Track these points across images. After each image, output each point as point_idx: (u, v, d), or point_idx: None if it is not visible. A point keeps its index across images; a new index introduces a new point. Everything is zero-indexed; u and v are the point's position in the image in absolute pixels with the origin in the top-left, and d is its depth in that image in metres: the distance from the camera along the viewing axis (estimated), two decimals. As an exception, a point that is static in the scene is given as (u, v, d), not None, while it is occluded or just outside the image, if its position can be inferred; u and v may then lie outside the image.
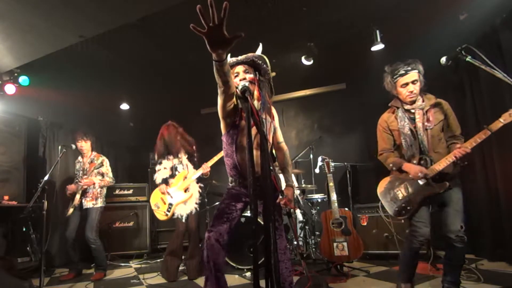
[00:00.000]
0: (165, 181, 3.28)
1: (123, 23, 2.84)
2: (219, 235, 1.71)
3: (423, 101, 2.11)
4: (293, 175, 2.92)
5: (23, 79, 3.64)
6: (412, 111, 2.11)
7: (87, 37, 2.98)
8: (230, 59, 1.78)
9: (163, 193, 3.25)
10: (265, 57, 1.79)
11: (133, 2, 2.61)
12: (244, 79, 1.72)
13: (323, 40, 3.59)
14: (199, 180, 3.39)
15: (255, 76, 1.77)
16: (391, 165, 2.16)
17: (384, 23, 3.28)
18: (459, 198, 2.01)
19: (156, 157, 3.39)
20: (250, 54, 1.77)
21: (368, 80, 4.33)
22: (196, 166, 3.35)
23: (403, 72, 2.05)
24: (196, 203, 3.29)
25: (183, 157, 3.34)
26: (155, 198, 3.33)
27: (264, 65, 1.77)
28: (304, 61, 3.76)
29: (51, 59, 3.27)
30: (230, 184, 1.91)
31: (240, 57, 1.77)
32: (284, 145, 1.99)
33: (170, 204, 3.22)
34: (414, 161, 2.07)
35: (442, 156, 2.02)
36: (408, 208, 2.07)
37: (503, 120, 1.86)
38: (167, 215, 3.22)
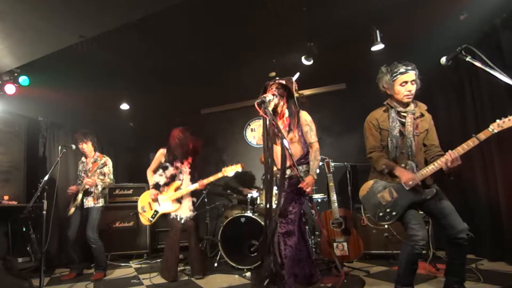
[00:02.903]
0: (157, 186, 3.29)
1: (123, 23, 2.84)
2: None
3: (415, 107, 2.14)
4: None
5: (23, 79, 3.64)
6: (404, 114, 2.13)
7: (87, 37, 2.98)
8: (268, 81, 2.41)
9: (153, 199, 3.27)
10: (292, 78, 2.38)
11: (133, 2, 2.61)
12: (274, 94, 2.24)
13: (323, 40, 3.59)
14: (192, 193, 3.37)
15: (284, 91, 2.36)
16: (383, 166, 2.12)
17: (384, 23, 3.28)
18: (448, 200, 2.02)
19: (163, 154, 3.36)
20: (285, 77, 2.39)
21: (368, 80, 4.31)
22: (194, 179, 3.32)
23: (403, 70, 2.06)
24: (190, 211, 3.28)
25: (186, 168, 3.34)
26: (143, 201, 3.36)
27: (290, 84, 2.35)
28: (304, 61, 3.76)
29: (51, 59, 3.27)
30: None
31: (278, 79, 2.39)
32: (314, 144, 2.44)
33: (156, 212, 3.26)
34: (402, 165, 2.08)
35: (421, 164, 2.07)
36: (394, 213, 2.06)
37: (491, 129, 1.86)
38: (150, 221, 3.29)
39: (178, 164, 3.32)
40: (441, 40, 3.27)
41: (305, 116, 2.44)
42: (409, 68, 2.06)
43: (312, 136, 2.44)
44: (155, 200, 3.27)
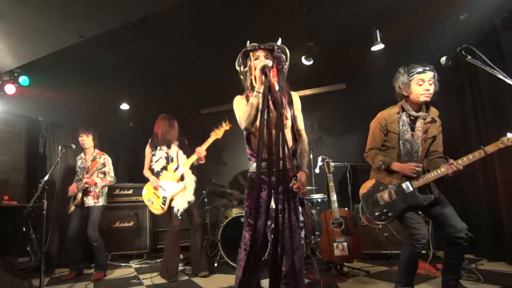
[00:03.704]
0: (156, 174, 3.28)
1: (123, 23, 2.84)
2: (258, 233, 1.77)
3: (426, 111, 2.11)
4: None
5: (23, 79, 3.64)
6: (413, 118, 2.11)
7: (87, 37, 2.98)
8: (252, 44, 1.86)
9: (155, 187, 3.24)
10: (286, 48, 1.86)
11: (133, 2, 2.60)
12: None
13: (323, 40, 3.59)
14: (194, 169, 3.39)
15: (273, 63, 1.82)
16: (380, 163, 2.13)
17: (384, 23, 3.28)
18: (450, 205, 2.03)
19: (149, 147, 3.40)
20: (271, 43, 1.85)
21: (368, 80, 4.34)
22: (187, 155, 3.35)
23: (421, 70, 2.04)
24: (193, 194, 3.29)
25: (175, 147, 3.35)
26: (148, 194, 3.31)
27: (283, 55, 1.86)
28: (304, 61, 3.76)
29: (51, 59, 3.26)
30: (250, 170, 1.96)
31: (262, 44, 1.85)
32: (303, 133, 2.00)
33: (164, 197, 3.20)
34: None
35: (424, 169, 2.07)
36: (390, 214, 2.08)
37: (500, 144, 1.86)
38: (162, 208, 3.19)
39: (164, 148, 3.33)
40: (441, 40, 3.27)
41: (297, 98, 2.03)
42: (427, 68, 2.03)
43: (302, 123, 2.01)
44: (158, 187, 3.22)
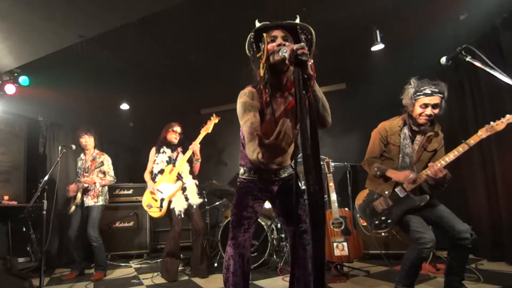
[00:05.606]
0: (153, 178, 3.30)
1: (123, 23, 2.84)
2: (243, 248, 1.54)
3: (430, 125, 2.11)
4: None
5: (23, 79, 3.65)
6: (415, 131, 2.12)
7: (87, 37, 2.98)
8: (264, 23, 1.51)
9: (151, 192, 3.25)
10: (311, 28, 1.48)
11: (133, 2, 2.61)
12: (283, 45, 1.38)
13: (323, 40, 3.58)
14: (195, 176, 3.41)
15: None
16: (375, 169, 2.13)
17: (384, 23, 3.28)
18: (442, 205, 2.03)
19: (154, 149, 3.43)
20: (290, 21, 1.49)
21: (368, 80, 4.34)
22: (189, 159, 3.37)
23: (429, 92, 1.99)
24: (197, 196, 3.30)
25: (176, 152, 3.38)
26: (147, 200, 3.32)
27: (309, 36, 1.51)
28: (304, 61, 3.76)
29: (51, 59, 3.27)
30: (241, 176, 1.68)
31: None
32: None
33: (162, 200, 3.21)
34: None
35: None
36: (389, 221, 2.08)
37: (479, 134, 1.89)
38: (160, 210, 3.20)
39: (168, 151, 3.36)
40: (441, 40, 3.27)
41: None
42: (436, 90, 1.99)
43: None
44: (155, 191, 3.23)
